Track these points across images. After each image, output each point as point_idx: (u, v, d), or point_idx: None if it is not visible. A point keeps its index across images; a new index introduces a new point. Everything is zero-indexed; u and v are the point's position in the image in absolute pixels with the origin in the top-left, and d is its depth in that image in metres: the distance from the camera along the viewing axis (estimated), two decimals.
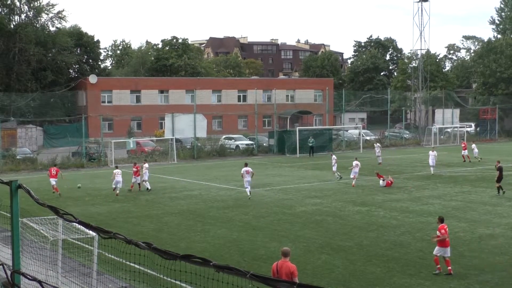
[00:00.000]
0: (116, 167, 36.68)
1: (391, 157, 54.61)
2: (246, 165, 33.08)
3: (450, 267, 17.12)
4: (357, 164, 37.40)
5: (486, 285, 16.01)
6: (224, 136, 65.87)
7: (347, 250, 19.94)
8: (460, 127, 75.37)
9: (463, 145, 52.40)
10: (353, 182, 36.33)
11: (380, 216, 26.23)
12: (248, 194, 31.73)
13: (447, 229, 17.78)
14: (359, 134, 66.91)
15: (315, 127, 74.73)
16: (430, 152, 42.36)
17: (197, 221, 25.53)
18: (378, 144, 52.74)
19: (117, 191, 33.97)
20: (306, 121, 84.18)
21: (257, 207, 28.93)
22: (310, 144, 58.21)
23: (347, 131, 72.67)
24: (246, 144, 62.29)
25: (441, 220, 17.97)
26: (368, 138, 70.50)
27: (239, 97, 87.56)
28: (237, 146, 61.90)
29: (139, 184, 35.91)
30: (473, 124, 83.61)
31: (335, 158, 40.60)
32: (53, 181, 34.59)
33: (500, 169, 32.50)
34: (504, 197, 31.04)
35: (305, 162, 52.05)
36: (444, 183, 36.55)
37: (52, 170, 35.30)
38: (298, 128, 61.65)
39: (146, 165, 36.83)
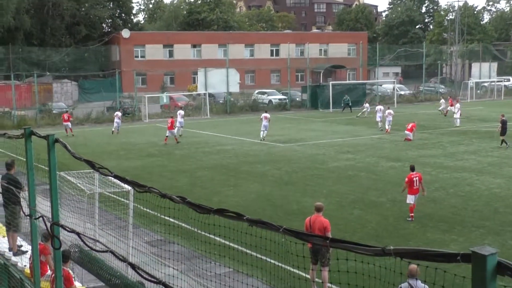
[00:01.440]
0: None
1: (426, 112, 54.10)
2: (265, 111, 38.53)
3: (412, 214, 18.06)
4: (390, 112, 39.41)
5: None
6: (257, 91, 65.74)
7: (380, 206, 19.91)
8: (498, 81, 73.85)
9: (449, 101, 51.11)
10: (388, 128, 38.61)
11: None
12: (261, 136, 36.41)
13: (415, 177, 18.36)
14: (393, 89, 66.16)
15: (348, 81, 74.00)
16: (381, 108, 41.73)
17: (230, 176, 25.71)
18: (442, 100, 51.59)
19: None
20: (339, 75, 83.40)
21: (290, 162, 29.01)
22: (346, 102, 57.52)
23: (381, 85, 71.85)
24: (279, 99, 62.21)
25: (411, 169, 18.79)
26: (402, 92, 69.78)
27: (271, 51, 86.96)
28: (270, 100, 61.79)
29: (175, 137, 36.60)
30: (511, 78, 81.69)
31: (382, 108, 41.62)
32: (67, 125, 41.37)
33: (503, 122, 32.79)
34: None
35: (338, 117, 51.90)
36: (480, 139, 36.20)
37: (65, 116, 42.57)
38: (331, 82, 61.34)
39: (181, 111, 39.15)
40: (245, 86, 68.63)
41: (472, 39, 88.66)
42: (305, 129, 42.56)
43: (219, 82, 56.73)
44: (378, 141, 36.10)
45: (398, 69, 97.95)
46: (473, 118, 42.36)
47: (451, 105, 48.35)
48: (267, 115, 37.12)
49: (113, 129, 42.39)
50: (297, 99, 62.83)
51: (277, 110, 58.25)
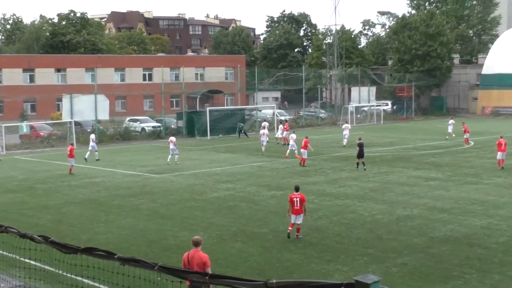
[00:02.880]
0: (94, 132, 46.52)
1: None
2: (172, 135, 43.21)
3: (298, 233, 19.80)
4: (292, 137, 41.74)
5: (405, 268, 16.53)
6: (128, 118, 64.78)
7: (262, 237, 20.12)
8: (377, 106, 77.14)
9: (463, 128, 49.07)
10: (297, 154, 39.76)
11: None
12: (168, 160, 39.04)
13: (296, 198, 19.59)
14: (273, 114, 67.39)
15: (227, 107, 74.68)
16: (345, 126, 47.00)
17: (100, 211, 25.15)
18: (347, 125, 52.41)
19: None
20: (217, 101, 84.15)
21: (166, 194, 28.78)
22: (240, 128, 58.73)
23: (260, 110, 73.14)
24: (153, 127, 61.78)
25: (295, 189, 20.21)
26: (282, 118, 70.77)
27: (144, 75, 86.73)
28: (143, 128, 61.18)
29: (71, 166, 36.48)
30: (389, 102, 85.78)
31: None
32: None
33: (360, 145, 35.42)
34: (421, 176, 32.34)
35: (216, 144, 52.17)
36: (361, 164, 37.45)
37: None
38: (208, 108, 61.59)
39: (93, 135, 42.87)
40: (115, 113, 67.48)
41: (350, 63, 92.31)
42: (182, 158, 42.15)
43: (86, 109, 55.32)
44: (259, 169, 36.64)
45: (277, 94, 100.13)
46: (354, 143, 43.89)
47: (286, 130, 50.98)
48: (173, 138, 39.91)
49: None
50: (172, 126, 62.63)
51: (151, 138, 57.86)
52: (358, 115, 76.19)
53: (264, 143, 44.54)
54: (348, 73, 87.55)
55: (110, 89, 71.44)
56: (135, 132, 59.75)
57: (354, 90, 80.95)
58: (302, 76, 76.22)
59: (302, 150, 37.60)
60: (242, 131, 58.55)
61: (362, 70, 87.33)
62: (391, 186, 29.80)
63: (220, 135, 58.67)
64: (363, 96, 77.41)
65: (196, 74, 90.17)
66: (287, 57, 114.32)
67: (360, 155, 35.36)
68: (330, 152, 44.66)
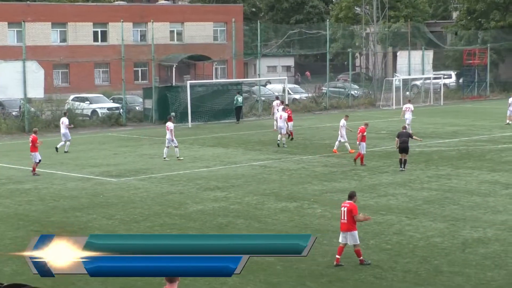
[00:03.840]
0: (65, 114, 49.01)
1: (332, 126, 53.23)
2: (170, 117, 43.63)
3: (361, 257, 20.28)
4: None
5: None
6: (72, 96, 64.40)
7: (268, 269, 20.15)
8: (435, 78, 75.89)
9: None
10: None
11: (316, 216, 26.79)
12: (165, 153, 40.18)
13: (344, 208, 20.15)
14: (284, 90, 66.52)
15: (216, 80, 74.34)
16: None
17: (32, 231, 25.04)
18: (408, 105, 52.27)
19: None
20: (201, 71, 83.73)
21: (128, 207, 28.80)
22: (238, 105, 59.04)
23: (265, 85, 72.27)
24: (109, 109, 61.48)
25: (349, 196, 20.96)
26: (297, 96, 71.08)
27: (95, 34, 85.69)
28: (94, 111, 60.92)
29: (34, 163, 36.81)
30: (453, 74, 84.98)
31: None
32: None
33: (401, 135, 35.46)
34: (500, 182, 32.27)
35: (201, 135, 52.02)
36: (413, 163, 37.13)
37: None
38: (189, 82, 61.16)
39: (65, 119, 43.94)
40: (53, 89, 66.76)
41: (397, 16, 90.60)
42: (151, 155, 42.47)
43: (11, 82, 55.01)
44: (262, 171, 36.49)
45: (289, 61, 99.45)
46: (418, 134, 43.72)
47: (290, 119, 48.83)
48: (170, 124, 40.68)
49: None
50: (137, 108, 62.62)
51: (106, 125, 57.74)
52: (407, 92, 74.94)
53: (283, 130, 44.59)
54: (393, 31, 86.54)
55: (45, 54, 71.14)
56: (82, 116, 59.17)
57: (402, 56, 79.99)
58: (326, 35, 75.07)
59: (360, 143, 37.39)
60: (237, 109, 58.89)
61: (414, 27, 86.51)
62: (454, 195, 29.64)
63: (206, 121, 58.54)
64: (414, 65, 76.78)
65: (172, 32, 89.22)
66: (304, 7, 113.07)
67: (403, 149, 35.28)
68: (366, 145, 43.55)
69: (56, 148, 43.31)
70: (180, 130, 53.86)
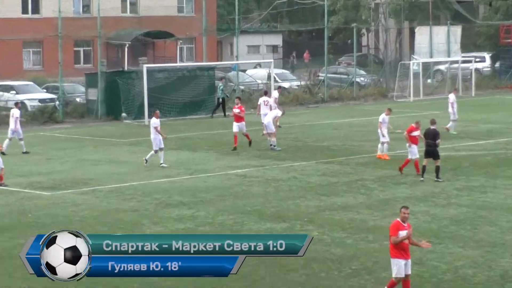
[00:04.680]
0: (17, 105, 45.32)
1: (331, 122, 54.13)
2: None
3: None
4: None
5: None
6: None
7: None
8: (464, 62, 73.32)
9: None
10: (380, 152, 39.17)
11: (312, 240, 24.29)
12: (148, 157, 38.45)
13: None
14: (269, 77, 63.86)
15: (181, 63, 72.72)
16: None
17: None
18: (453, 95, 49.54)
19: None
20: (162, 52, 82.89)
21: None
22: (221, 96, 57.91)
23: (245, 71, 70.73)
24: (41, 101, 59.21)
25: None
26: (286, 85, 67.46)
27: (25, 4, 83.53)
28: (22, 104, 57.08)
29: None
30: (487, 56, 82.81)
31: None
32: None
33: (428, 134, 33.77)
34: None
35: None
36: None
37: None
38: (146, 66, 58.56)
39: (16, 111, 42.56)
40: None
41: None
42: (95, 161, 41.16)
43: None
44: (241, 181, 35.14)
45: (277, 39, 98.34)
46: (464, 132, 45.55)
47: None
48: (155, 121, 39.42)
49: None
50: (78, 100, 60.60)
51: (37, 122, 55.57)
52: (429, 80, 73.20)
53: (269, 129, 42.68)
54: (410, 1, 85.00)
55: None
56: (6, 110, 55.91)
57: (421, 33, 78.84)
58: (323, 6, 73.00)
59: (410, 145, 34.87)
60: (221, 101, 57.54)
61: None
62: (490, 213, 28.12)
63: (169, 117, 55.47)
64: (437, 44, 75.35)
65: (124, 1, 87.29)
66: None
67: (430, 153, 33.08)
68: (373, 149, 41.78)
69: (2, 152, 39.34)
70: (134, 129, 54.01)
